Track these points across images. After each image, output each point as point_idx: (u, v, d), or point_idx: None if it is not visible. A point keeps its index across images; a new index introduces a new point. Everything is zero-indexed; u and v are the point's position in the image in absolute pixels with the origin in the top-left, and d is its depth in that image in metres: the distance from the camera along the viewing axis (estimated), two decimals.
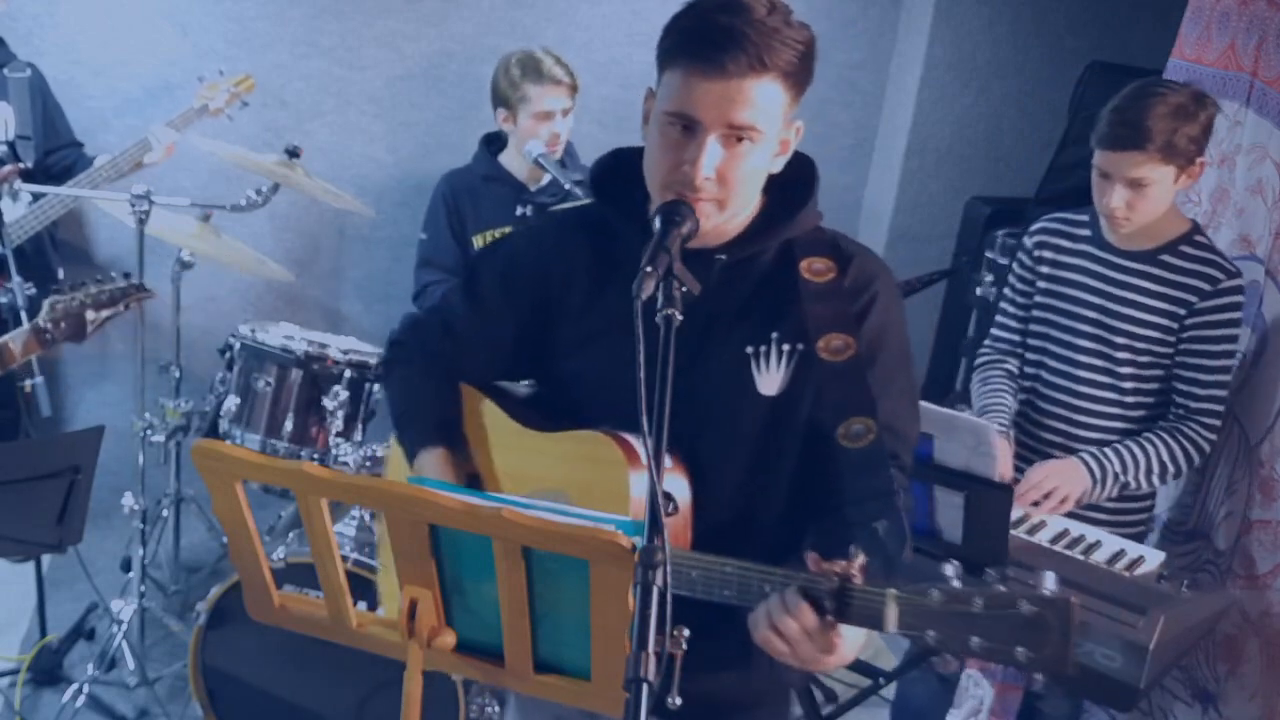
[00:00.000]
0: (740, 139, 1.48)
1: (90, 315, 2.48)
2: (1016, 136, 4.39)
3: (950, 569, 1.32)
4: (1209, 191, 2.91)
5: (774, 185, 1.62)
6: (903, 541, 1.47)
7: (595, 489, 1.58)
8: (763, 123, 1.47)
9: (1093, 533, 2.45)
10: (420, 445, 1.72)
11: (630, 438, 1.57)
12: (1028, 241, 2.66)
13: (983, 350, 2.76)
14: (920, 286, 3.73)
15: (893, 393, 1.59)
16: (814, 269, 1.60)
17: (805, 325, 1.58)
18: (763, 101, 1.46)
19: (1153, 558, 2.38)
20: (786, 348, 1.60)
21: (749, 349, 1.60)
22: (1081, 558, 2.34)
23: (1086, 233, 2.57)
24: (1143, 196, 2.37)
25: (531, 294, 1.71)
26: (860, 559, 1.38)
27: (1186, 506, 2.82)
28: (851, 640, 1.40)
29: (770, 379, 1.60)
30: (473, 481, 1.73)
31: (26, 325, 2.43)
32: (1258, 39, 2.76)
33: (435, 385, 1.78)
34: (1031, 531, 2.42)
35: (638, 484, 1.53)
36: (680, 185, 1.50)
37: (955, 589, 1.29)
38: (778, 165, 1.58)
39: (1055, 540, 2.40)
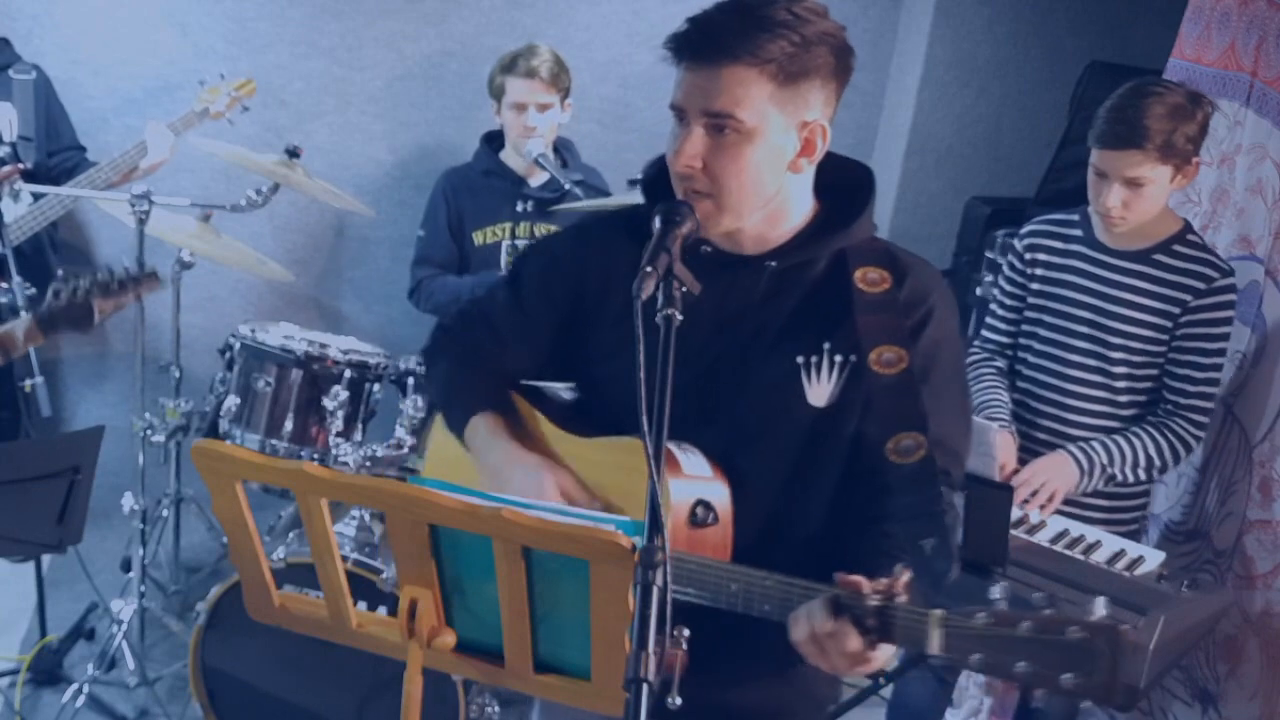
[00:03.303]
0: (723, 129, 1.48)
1: (98, 304, 2.39)
2: (1016, 136, 4.39)
3: (997, 590, 1.29)
4: (1209, 191, 2.91)
5: (829, 192, 1.60)
6: (950, 561, 1.45)
7: (633, 496, 1.55)
8: (742, 113, 1.46)
9: (1093, 533, 2.45)
10: (470, 413, 1.70)
11: (670, 445, 1.54)
12: (1018, 244, 2.66)
13: (972, 350, 2.77)
14: None
15: (946, 408, 1.57)
16: (868, 279, 1.57)
17: (858, 336, 1.55)
18: (737, 90, 1.46)
19: (1153, 558, 2.38)
20: (839, 359, 1.57)
21: (800, 359, 1.58)
22: (1081, 558, 2.34)
23: (1078, 233, 2.57)
24: (1139, 196, 2.37)
25: (570, 293, 1.69)
26: (905, 577, 1.36)
27: (1186, 506, 2.82)
28: (886, 650, 1.38)
29: (820, 390, 1.58)
30: None
31: (28, 314, 2.35)
32: (1258, 39, 2.76)
33: (480, 371, 1.76)
34: (1031, 531, 2.42)
35: (677, 489, 1.52)
36: (677, 179, 1.52)
37: (1002, 612, 1.27)
38: (803, 167, 1.56)
39: (1055, 540, 2.40)
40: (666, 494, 1.51)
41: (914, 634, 1.32)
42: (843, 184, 1.61)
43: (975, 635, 1.27)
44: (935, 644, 1.30)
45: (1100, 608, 1.23)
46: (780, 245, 1.60)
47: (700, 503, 1.53)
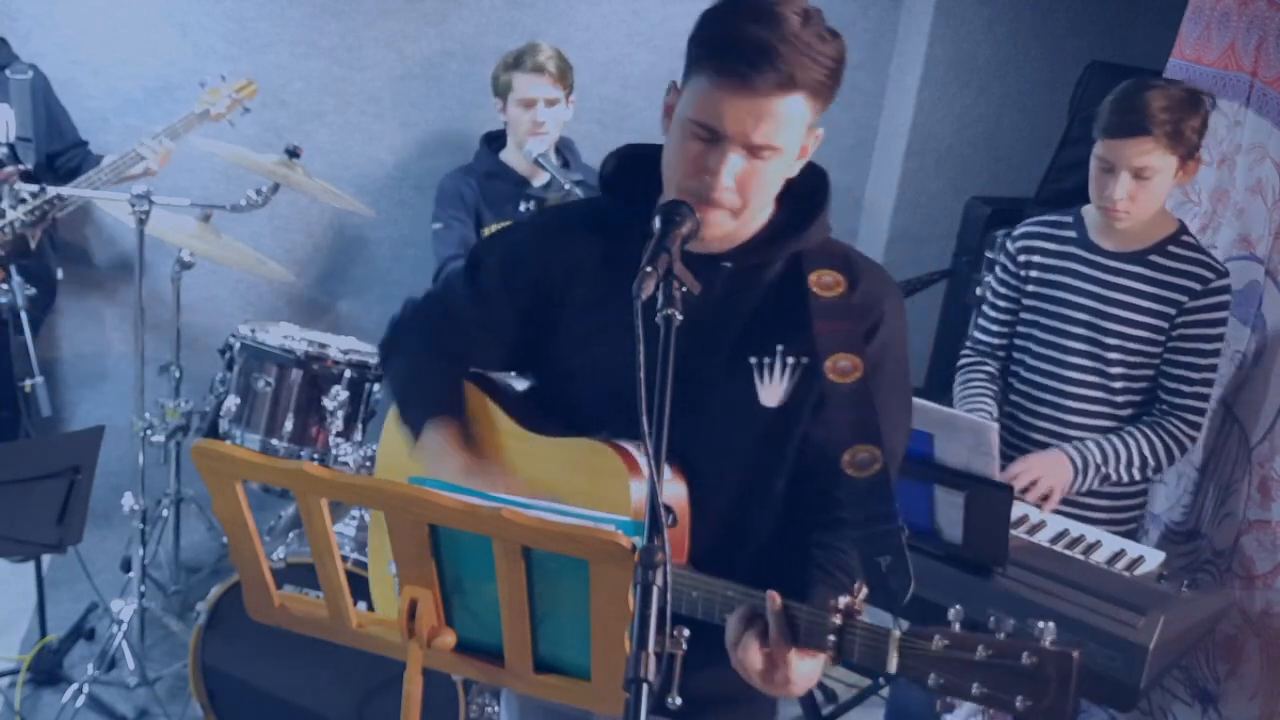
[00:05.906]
0: (761, 152, 1.47)
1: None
2: (1016, 136, 4.39)
3: (953, 613, 1.31)
4: (1209, 191, 2.91)
5: (786, 195, 1.60)
6: (907, 581, 1.44)
7: (595, 497, 1.55)
8: (783, 138, 1.46)
9: (1093, 533, 2.45)
10: (426, 419, 1.68)
11: (630, 446, 1.55)
12: (1011, 246, 2.66)
13: (964, 352, 2.76)
14: (920, 286, 3.74)
15: (889, 412, 1.57)
16: (823, 282, 1.58)
17: (811, 340, 1.56)
18: (787, 118, 1.45)
19: (1153, 558, 2.38)
20: (790, 360, 1.58)
21: (752, 359, 1.58)
22: (1081, 558, 2.34)
23: (1072, 234, 2.57)
24: (1145, 188, 2.37)
25: (532, 285, 1.68)
26: (863, 593, 1.38)
27: (1186, 506, 2.82)
28: (812, 671, 1.40)
29: (772, 390, 1.59)
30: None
31: None
32: (1258, 39, 2.76)
33: (439, 366, 1.75)
34: (1031, 531, 2.42)
35: (639, 492, 1.51)
36: (697, 192, 1.49)
37: (959, 635, 1.29)
38: (795, 169, 1.57)
39: (1055, 540, 2.39)
40: (628, 496, 1.51)
41: (873, 654, 1.34)
42: (799, 187, 1.60)
43: (932, 657, 1.30)
44: (893, 664, 1.32)
45: (1049, 634, 1.25)
46: (739, 246, 1.60)
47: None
